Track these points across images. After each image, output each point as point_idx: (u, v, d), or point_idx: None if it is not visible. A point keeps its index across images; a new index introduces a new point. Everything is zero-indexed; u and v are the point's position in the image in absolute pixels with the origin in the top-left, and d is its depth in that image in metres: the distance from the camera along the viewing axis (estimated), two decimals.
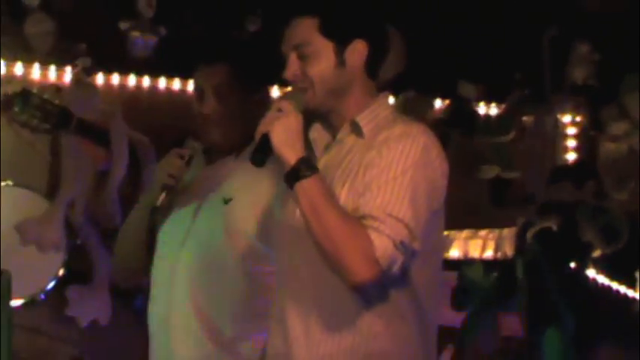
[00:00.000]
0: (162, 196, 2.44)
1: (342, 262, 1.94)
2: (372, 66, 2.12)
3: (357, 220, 1.95)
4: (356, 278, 1.93)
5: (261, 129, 2.03)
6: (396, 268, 1.94)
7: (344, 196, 2.01)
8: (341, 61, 2.08)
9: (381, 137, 2.03)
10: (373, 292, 1.99)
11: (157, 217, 2.51)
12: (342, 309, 2.02)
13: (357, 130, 2.09)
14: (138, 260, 2.55)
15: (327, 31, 2.07)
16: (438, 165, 2.03)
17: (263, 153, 2.05)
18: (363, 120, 2.09)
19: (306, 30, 2.08)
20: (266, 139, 2.02)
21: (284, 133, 2.00)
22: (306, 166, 1.98)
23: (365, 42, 2.08)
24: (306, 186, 1.97)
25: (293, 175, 1.98)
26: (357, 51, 2.08)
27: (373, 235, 1.92)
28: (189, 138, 2.51)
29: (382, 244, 1.91)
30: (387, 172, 1.97)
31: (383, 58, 2.15)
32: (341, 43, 2.08)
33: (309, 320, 2.05)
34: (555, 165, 4.75)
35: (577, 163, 3.75)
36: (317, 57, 2.07)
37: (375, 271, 1.92)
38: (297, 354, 2.05)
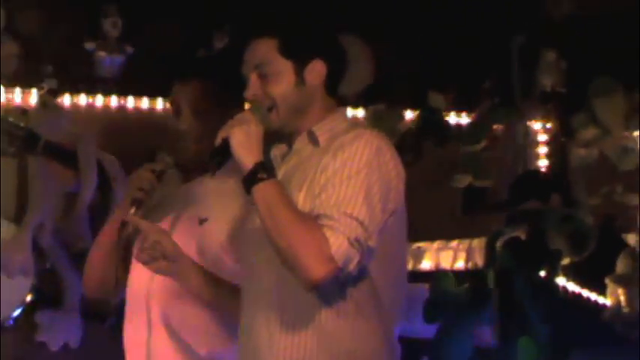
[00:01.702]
0: (132, 210, 2.43)
1: (298, 261, 1.95)
2: (331, 83, 2.15)
3: (312, 219, 1.97)
4: (312, 277, 1.94)
5: (221, 134, 2.07)
6: (352, 266, 1.95)
7: (301, 200, 2.03)
8: (301, 80, 2.11)
9: (336, 143, 2.06)
10: (334, 291, 2.01)
11: (126, 231, 2.49)
12: (304, 310, 2.03)
13: (313, 139, 2.13)
14: (107, 273, 2.52)
15: (285, 51, 2.10)
16: (392, 166, 2.05)
17: (221, 155, 2.08)
18: (319, 130, 2.13)
19: (265, 50, 2.11)
20: (226, 143, 2.05)
21: (243, 138, 2.03)
22: (263, 170, 2.01)
23: (323, 61, 2.12)
24: (263, 189, 1.99)
25: (250, 179, 2.01)
26: (316, 70, 2.12)
27: (328, 233, 1.93)
28: (161, 152, 2.50)
29: (337, 242, 1.93)
30: (341, 173, 2.00)
31: (341, 75, 2.19)
32: (300, 62, 2.11)
33: (274, 325, 2.06)
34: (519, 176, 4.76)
35: (541, 175, 3.76)
36: (277, 77, 2.10)
37: (330, 269, 1.93)
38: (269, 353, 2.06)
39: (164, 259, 2.27)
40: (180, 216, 2.46)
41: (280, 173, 2.11)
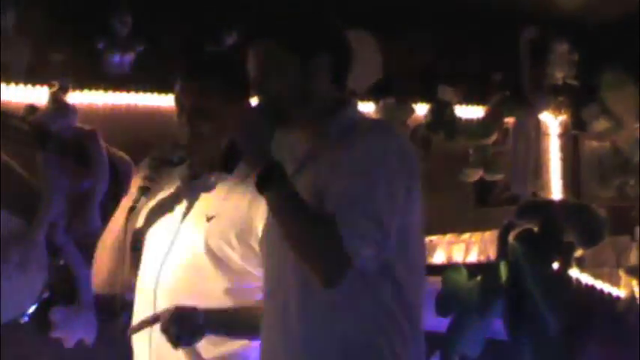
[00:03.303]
0: (140, 197, 2.44)
1: (314, 259, 1.95)
2: (337, 76, 2.15)
3: (326, 217, 1.95)
4: (329, 275, 1.94)
5: (229, 136, 2.07)
6: (370, 263, 1.95)
7: (315, 199, 2.01)
8: (306, 75, 2.10)
9: (349, 139, 2.04)
10: (356, 290, 1.99)
11: (134, 219, 2.49)
12: (327, 310, 2.02)
13: (324, 135, 2.12)
14: (116, 266, 2.51)
15: (290, 48, 2.10)
16: (408, 160, 2.04)
17: (232, 159, 2.07)
18: (331, 125, 2.11)
19: (269, 48, 2.11)
20: (234, 145, 2.04)
21: (252, 139, 2.02)
22: (274, 172, 1.99)
23: (328, 54, 2.11)
24: (276, 190, 1.99)
25: (262, 182, 1.99)
26: (321, 63, 2.11)
27: (343, 231, 1.92)
28: (167, 143, 2.50)
29: (352, 240, 1.92)
30: (355, 169, 1.98)
31: (347, 67, 2.18)
32: (305, 56, 2.10)
33: (298, 321, 2.05)
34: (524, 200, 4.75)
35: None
36: (283, 73, 2.10)
37: (345, 268, 1.92)
38: (291, 354, 2.06)
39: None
40: (189, 212, 2.46)
41: (291, 168, 2.09)
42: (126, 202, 2.45)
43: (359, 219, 1.93)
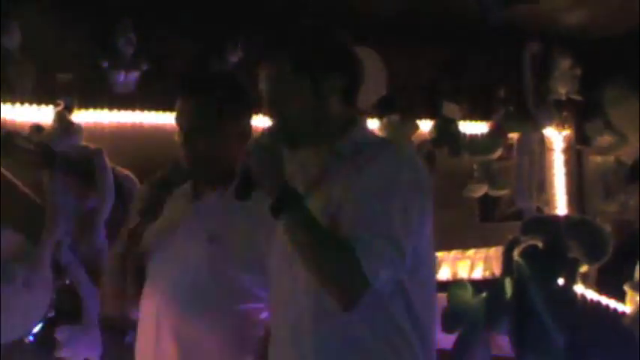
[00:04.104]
0: (140, 220, 2.44)
1: (332, 283, 1.95)
2: (348, 95, 2.14)
3: (342, 239, 1.95)
4: (347, 298, 1.94)
5: (242, 162, 2.06)
6: (385, 285, 1.95)
7: (328, 220, 2.01)
8: (318, 95, 2.10)
9: (362, 159, 2.04)
10: (370, 309, 1.99)
11: (135, 243, 2.49)
12: (341, 328, 2.02)
13: (338, 156, 2.12)
14: (121, 288, 2.52)
15: (303, 68, 2.09)
16: (421, 180, 2.04)
17: (246, 187, 2.06)
18: (342, 144, 2.11)
19: (281, 68, 2.10)
20: (248, 172, 2.03)
21: (266, 166, 2.01)
22: (289, 197, 1.99)
23: (339, 74, 2.11)
24: (291, 216, 1.98)
25: (277, 207, 1.99)
26: (333, 83, 2.11)
27: (360, 253, 1.92)
28: (169, 163, 2.50)
29: (370, 263, 1.92)
30: (369, 191, 1.98)
31: (358, 86, 2.17)
32: (316, 77, 2.10)
33: (308, 342, 2.05)
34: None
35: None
36: (295, 93, 2.09)
37: (364, 291, 1.92)
38: None
39: None
40: (191, 232, 2.46)
41: (302, 188, 2.08)
42: (127, 225, 2.46)
43: (376, 240, 1.93)
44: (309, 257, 1.97)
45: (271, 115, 2.12)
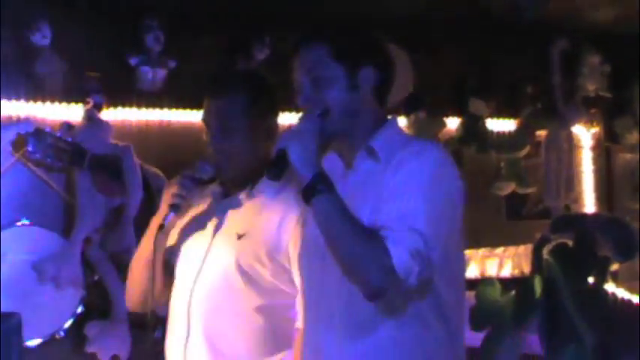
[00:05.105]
0: (170, 215, 2.44)
1: (360, 271, 1.96)
2: (381, 90, 2.16)
3: (373, 231, 1.97)
4: (373, 287, 1.95)
5: (278, 145, 2.07)
6: (413, 278, 1.95)
7: (366, 218, 2.03)
8: (353, 86, 2.12)
9: (396, 158, 2.06)
10: (398, 304, 2.01)
11: (164, 237, 2.50)
12: (370, 322, 2.04)
13: (372, 155, 2.13)
14: (148, 285, 2.52)
15: (339, 57, 2.11)
16: (453, 180, 2.05)
17: (279, 168, 2.08)
18: (378, 144, 2.13)
19: (318, 56, 2.12)
20: (282, 154, 2.05)
21: (301, 150, 2.03)
22: (322, 182, 2.01)
23: (374, 67, 2.13)
24: (323, 201, 2.00)
25: (310, 191, 2.01)
26: (368, 76, 2.13)
27: (390, 245, 1.93)
28: (200, 161, 2.51)
29: (398, 253, 1.93)
30: (403, 188, 2.00)
31: (391, 82, 2.20)
32: (352, 67, 2.12)
33: (340, 336, 2.07)
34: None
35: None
36: (330, 82, 2.11)
37: (391, 280, 1.93)
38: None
39: None
40: (220, 230, 2.48)
41: (339, 189, 2.08)
42: (155, 221, 2.47)
43: (407, 236, 1.94)
44: (337, 245, 1.99)
45: (306, 101, 2.13)
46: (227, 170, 2.47)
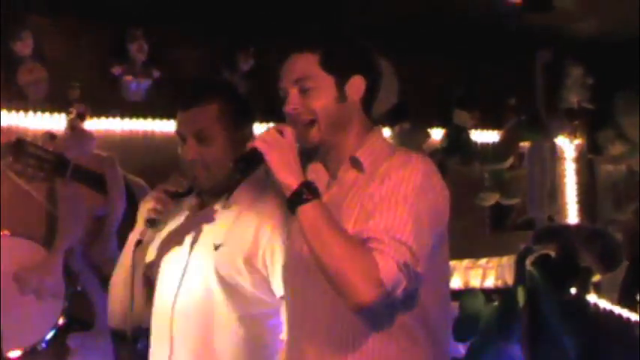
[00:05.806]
0: (146, 230, 2.43)
1: (346, 282, 1.93)
2: (367, 100, 2.16)
3: (360, 242, 1.96)
4: (360, 299, 1.93)
5: (256, 143, 2.04)
6: (399, 290, 1.94)
7: (351, 228, 2.02)
8: (341, 95, 2.12)
9: (381, 169, 2.06)
10: (384, 315, 2.00)
11: (141, 252, 2.49)
12: (355, 335, 2.03)
13: (357, 165, 2.12)
14: (127, 299, 2.51)
15: (328, 66, 2.11)
16: (439, 190, 2.05)
17: (247, 164, 2.06)
18: (363, 155, 2.12)
19: (307, 65, 2.12)
20: (256, 153, 2.03)
21: (282, 157, 2.01)
22: (307, 190, 1.99)
23: (363, 77, 2.13)
24: (309, 209, 1.98)
25: (295, 200, 1.99)
26: (356, 85, 2.12)
27: (377, 257, 1.92)
28: (174, 174, 2.50)
29: (386, 266, 1.92)
30: (389, 199, 1.99)
31: (377, 92, 2.20)
32: (341, 77, 2.12)
33: (324, 349, 2.07)
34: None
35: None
36: (319, 91, 2.11)
37: (378, 292, 1.91)
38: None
39: None
40: (197, 242, 2.48)
41: (324, 201, 2.07)
42: (133, 237, 2.46)
43: (394, 248, 1.93)
44: (323, 255, 1.96)
45: (294, 109, 2.12)
46: (202, 180, 2.46)
